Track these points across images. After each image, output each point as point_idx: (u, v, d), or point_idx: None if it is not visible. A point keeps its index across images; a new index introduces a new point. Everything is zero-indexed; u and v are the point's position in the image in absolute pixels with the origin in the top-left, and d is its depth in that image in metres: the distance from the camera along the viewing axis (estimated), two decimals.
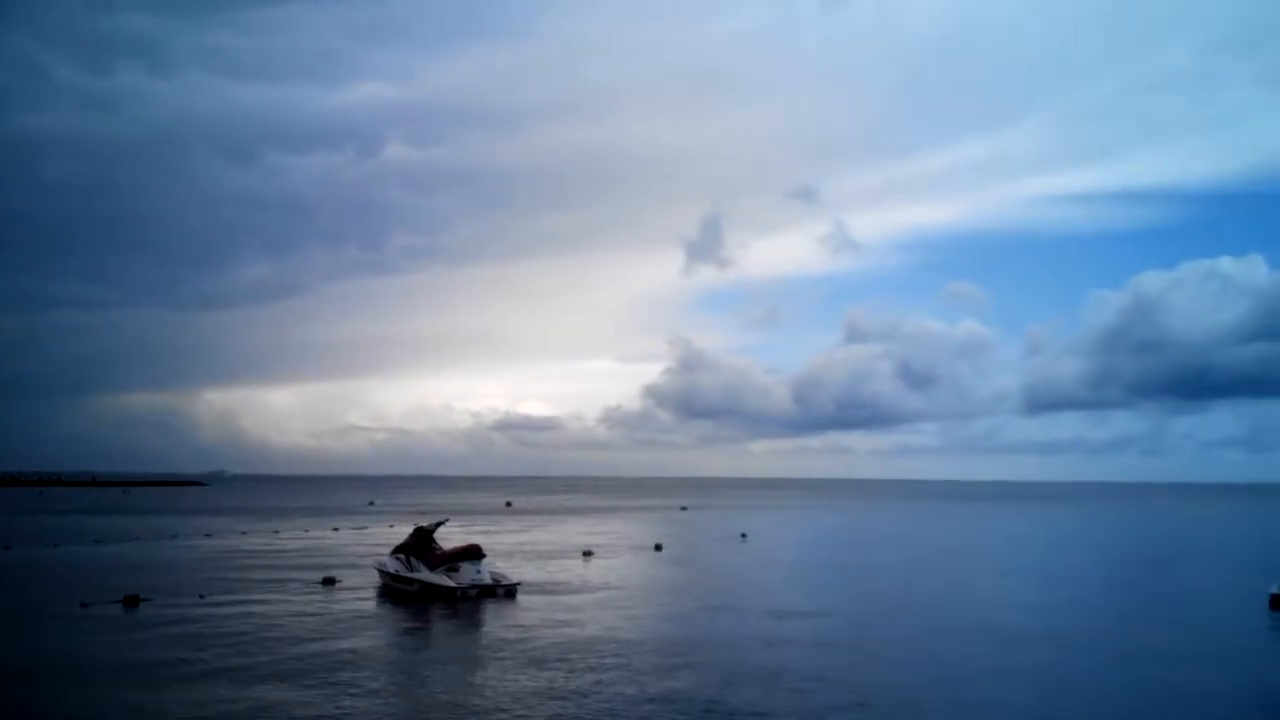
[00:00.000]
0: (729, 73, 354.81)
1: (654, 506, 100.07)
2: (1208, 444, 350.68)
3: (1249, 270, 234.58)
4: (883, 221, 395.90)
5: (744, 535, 54.10)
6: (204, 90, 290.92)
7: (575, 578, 31.71)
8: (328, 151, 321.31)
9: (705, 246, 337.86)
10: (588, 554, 40.32)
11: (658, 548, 45.19)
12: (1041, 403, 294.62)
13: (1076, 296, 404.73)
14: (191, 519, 68.81)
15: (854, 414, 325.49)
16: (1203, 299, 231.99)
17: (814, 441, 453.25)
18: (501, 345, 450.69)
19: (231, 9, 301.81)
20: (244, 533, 53.76)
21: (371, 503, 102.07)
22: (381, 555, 32.14)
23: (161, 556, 39.48)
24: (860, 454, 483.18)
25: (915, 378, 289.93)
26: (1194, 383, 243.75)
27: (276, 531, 55.00)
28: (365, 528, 59.10)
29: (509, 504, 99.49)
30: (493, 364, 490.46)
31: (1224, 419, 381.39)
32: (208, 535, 51.81)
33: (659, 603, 25.70)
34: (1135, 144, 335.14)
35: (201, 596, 26.59)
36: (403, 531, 44.66)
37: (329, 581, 29.86)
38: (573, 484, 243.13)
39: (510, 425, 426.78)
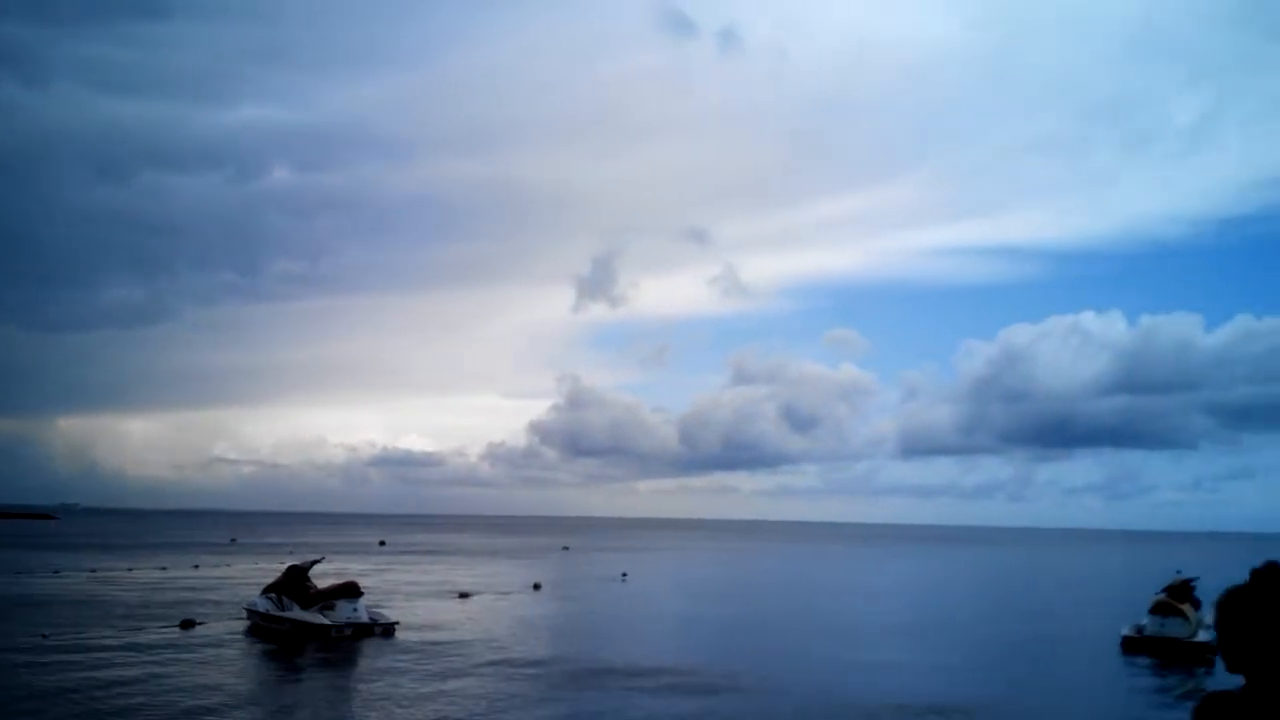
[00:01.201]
0: (625, 113, 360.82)
1: (536, 546, 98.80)
2: (1070, 490, 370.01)
3: (1109, 325, 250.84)
4: (771, 266, 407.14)
5: (624, 575, 53.92)
6: (79, 103, 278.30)
7: (450, 622, 30.87)
8: (207, 172, 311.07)
9: (597, 284, 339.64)
10: (464, 595, 39.43)
11: (536, 587, 44.80)
12: (916, 447, 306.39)
13: (951, 345, 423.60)
14: (38, 554, 64.39)
15: (739, 454, 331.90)
16: (1066, 352, 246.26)
17: (699, 481, 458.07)
18: (382, 377, 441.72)
19: (113, 21, 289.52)
20: (94, 570, 50.58)
21: (234, 540, 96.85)
22: (249, 595, 30.73)
23: (2, 594, 36.76)
24: (744, 494, 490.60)
25: (798, 420, 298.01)
26: (1057, 432, 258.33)
27: (130, 569, 51.93)
28: (229, 565, 56.42)
29: (382, 543, 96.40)
30: (372, 396, 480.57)
31: (1085, 467, 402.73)
32: (56, 571, 48.56)
33: (532, 656, 25.02)
34: (1009, 202, 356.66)
35: (45, 636, 24.93)
36: (268, 569, 42.87)
37: (188, 624, 28.26)
38: (453, 522, 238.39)
39: (389, 460, 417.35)
